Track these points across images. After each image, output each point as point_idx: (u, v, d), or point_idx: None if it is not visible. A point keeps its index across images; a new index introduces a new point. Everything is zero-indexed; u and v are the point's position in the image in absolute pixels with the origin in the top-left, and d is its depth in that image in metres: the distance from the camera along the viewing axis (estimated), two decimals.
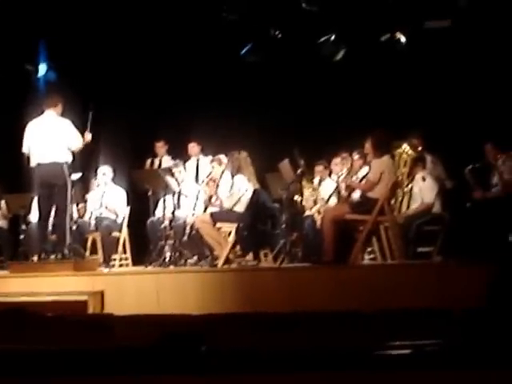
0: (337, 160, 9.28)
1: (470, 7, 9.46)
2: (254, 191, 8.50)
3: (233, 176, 8.62)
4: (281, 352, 2.44)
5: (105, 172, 9.57)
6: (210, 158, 9.68)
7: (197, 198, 9.46)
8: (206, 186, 9.18)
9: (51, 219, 8.22)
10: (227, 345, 2.56)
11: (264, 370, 2.46)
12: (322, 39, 10.24)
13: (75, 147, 8.16)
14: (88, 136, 8.32)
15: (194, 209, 9.41)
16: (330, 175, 9.52)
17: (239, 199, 8.49)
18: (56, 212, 8.12)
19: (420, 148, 8.95)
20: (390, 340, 2.57)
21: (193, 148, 10.09)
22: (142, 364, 2.62)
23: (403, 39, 10.01)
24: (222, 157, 9.01)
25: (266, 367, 2.47)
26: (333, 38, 10.22)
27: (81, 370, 2.64)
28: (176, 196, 9.03)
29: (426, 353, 2.40)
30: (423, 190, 8.74)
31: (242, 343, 2.59)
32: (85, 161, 9.08)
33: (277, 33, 10.26)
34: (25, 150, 8.21)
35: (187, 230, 9.13)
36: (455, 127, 9.66)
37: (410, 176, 8.86)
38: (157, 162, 10.32)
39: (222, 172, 8.94)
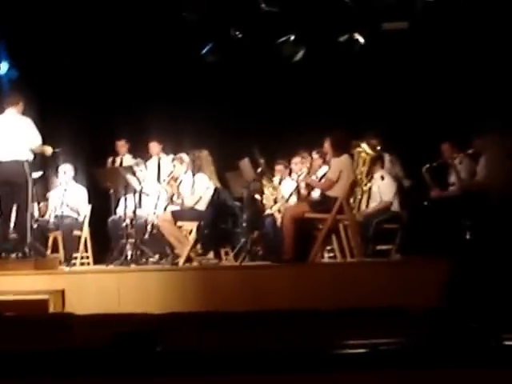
0: (296, 159, 9.27)
1: (426, 10, 9.51)
2: (215, 190, 8.47)
3: (194, 175, 8.57)
4: (236, 352, 2.41)
5: (66, 170, 9.44)
6: (171, 156, 9.61)
7: (158, 197, 9.40)
8: (168, 185, 9.11)
9: (12, 218, 8.10)
10: (184, 345, 2.51)
11: (219, 371, 2.43)
12: (282, 39, 10.24)
13: (34, 146, 8.05)
14: (48, 150, 8.25)
15: (155, 207, 9.34)
16: (289, 174, 9.52)
17: (200, 198, 8.45)
18: (17, 211, 8.00)
19: (378, 147, 8.98)
20: (347, 338, 2.55)
21: (154, 147, 10.03)
22: (98, 364, 2.57)
23: (361, 40, 10.05)
24: (184, 155, 8.95)
25: (221, 368, 2.44)
26: (292, 38, 10.23)
27: (39, 371, 2.58)
28: (137, 195, 8.95)
29: (381, 352, 2.38)
30: (382, 189, 8.80)
31: (198, 343, 2.55)
32: (46, 159, 8.96)
33: (237, 33, 10.23)
34: None
35: (148, 229, 9.07)
36: (413, 127, 9.73)
37: (369, 175, 8.91)
38: (118, 160, 10.23)
39: (185, 171, 8.88)
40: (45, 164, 9.14)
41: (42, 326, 3.59)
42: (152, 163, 10.01)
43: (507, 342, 2.54)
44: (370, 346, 2.39)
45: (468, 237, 8.03)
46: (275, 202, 9.24)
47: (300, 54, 10.27)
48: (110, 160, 10.28)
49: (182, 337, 2.69)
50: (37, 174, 8.56)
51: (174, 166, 8.96)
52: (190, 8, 9.66)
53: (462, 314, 4.02)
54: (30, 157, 8.03)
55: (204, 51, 10.45)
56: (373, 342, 2.42)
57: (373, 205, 8.88)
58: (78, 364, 2.61)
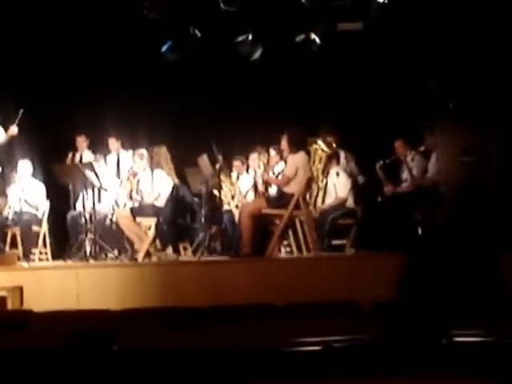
0: (254, 155, 9.22)
1: (380, 11, 9.53)
2: (174, 186, 8.37)
3: (152, 170, 8.46)
4: (191, 351, 2.31)
5: (24, 166, 9.24)
6: (130, 152, 9.50)
7: (117, 193, 9.25)
8: (127, 181, 8.98)
9: None
10: (141, 343, 2.39)
11: (176, 370, 2.32)
12: (240, 39, 10.20)
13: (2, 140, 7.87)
14: (14, 130, 8.03)
15: (114, 203, 9.19)
16: (247, 170, 9.47)
17: (159, 194, 8.35)
18: None
19: (334, 145, 8.99)
20: (300, 335, 2.46)
21: (112, 143, 9.86)
22: (55, 365, 2.44)
23: (317, 40, 10.04)
24: (143, 151, 8.82)
25: (178, 367, 2.33)
26: (250, 37, 10.20)
27: None
28: (96, 190, 8.78)
29: (334, 349, 2.30)
30: (337, 185, 8.83)
31: (156, 342, 2.43)
32: (4, 155, 8.76)
33: (196, 31, 10.16)
34: None
35: (107, 224, 8.92)
36: (367, 125, 9.76)
37: (325, 172, 8.90)
38: (77, 156, 10.02)
39: (144, 167, 8.75)
40: (3, 160, 8.95)
41: None
42: (111, 159, 9.85)
43: (458, 339, 2.46)
44: (323, 343, 2.30)
45: (419, 232, 8.06)
46: (233, 197, 9.19)
47: (257, 53, 10.23)
48: (69, 156, 10.07)
49: (140, 335, 2.56)
50: None
51: (135, 161, 8.83)
52: (151, 6, 9.52)
53: (413, 308, 3.97)
54: None
55: (163, 49, 10.34)
56: (326, 340, 2.33)
57: (328, 201, 8.89)
58: (33, 365, 2.47)
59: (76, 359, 2.50)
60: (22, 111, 8.11)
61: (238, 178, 9.45)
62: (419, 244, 7.64)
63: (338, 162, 9.03)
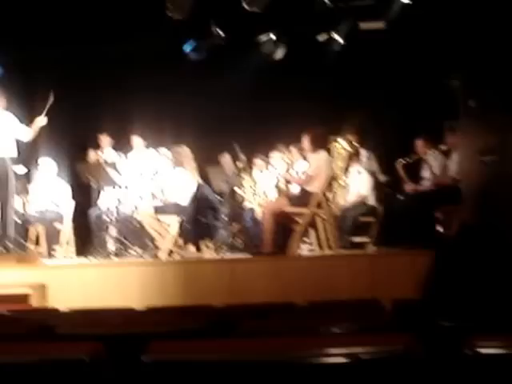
0: (275, 154, 9.18)
1: (403, 11, 9.45)
2: (197, 185, 8.31)
3: (175, 169, 8.42)
4: (218, 363, 2.19)
5: (48, 165, 9.24)
6: (152, 150, 9.48)
7: (140, 191, 9.20)
8: (150, 179, 8.95)
9: None
10: (171, 353, 2.28)
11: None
12: (263, 38, 10.17)
13: (25, 139, 7.84)
14: (43, 120, 7.98)
15: (137, 201, 9.15)
16: (268, 169, 9.40)
17: (182, 192, 8.30)
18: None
19: (355, 143, 8.91)
20: (325, 345, 2.34)
21: (135, 141, 9.81)
22: (81, 377, 2.32)
23: (340, 39, 9.97)
24: (166, 150, 8.78)
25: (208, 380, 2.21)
26: (273, 37, 10.17)
27: None
28: (119, 188, 8.74)
29: (362, 362, 2.18)
30: (358, 183, 8.78)
31: (186, 351, 2.31)
32: (28, 154, 8.76)
33: (219, 31, 10.13)
34: None
35: (130, 223, 8.87)
36: (388, 123, 9.66)
37: (346, 170, 8.83)
38: (100, 154, 10.00)
39: (168, 166, 8.71)
40: (27, 159, 8.95)
41: (18, 327, 3.37)
42: (134, 157, 9.81)
43: (482, 350, 2.25)
44: (350, 355, 2.18)
45: (440, 230, 7.98)
46: (255, 196, 9.12)
47: (280, 53, 10.20)
48: (92, 154, 10.05)
49: (170, 344, 2.44)
50: (19, 169, 8.36)
51: (158, 160, 8.80)
52: (174, 7, 9.49)
53: (434, 309, 3.84)
54: (12, 152, 7.82)
55: (186, 49, 10.33)
56: (354, 352, 2.21)
57: (349, 199, 8.80)
58: (59, 376, 2.35)
59: (103, 371, 2.38)
60: (51, 100, 7.99)
61: (259, 176, 9.39)
62: (445, 243, 7.53)
63: (359, 161, 8.95)
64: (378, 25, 9.80)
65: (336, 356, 2.19)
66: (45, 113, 7.98)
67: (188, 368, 2.16)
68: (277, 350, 2.23)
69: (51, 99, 8.02)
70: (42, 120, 7.98)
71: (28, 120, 8.10)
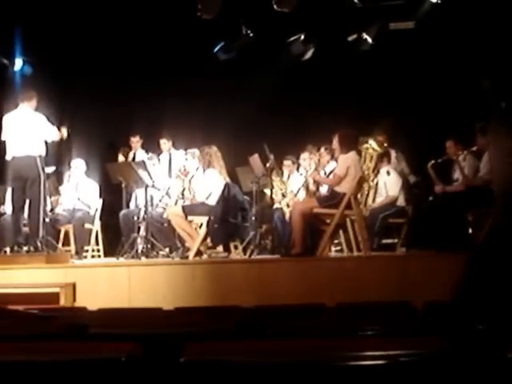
0: (305, 155, 9.14)
1: (432, 10, 9.37)
2: (226, 185, 8.27)
3: (204, 170, 8.40)
4: (254, 365, 2.16)
5: (78, 165, 9.26)
6: (182, 151, 9.48)
7: (169, 191, 9.21)
8: (179, 179, 8.95)
9: (25, 212, 7.93)
10: (210, 355, 2.24)
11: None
12: (292, 39, 10.14)
13: (51, 139, 7.87)
14: (64, 133, 8.06)
15: (166, 201, 9.15)
16: (297, 169, 9.35)
17: (211, 192, 8.27)
18: (29, 205, 7.81)
19: (385, 144, 8.84)
20: (362, 347, 2.29)
21: (164, 144, 9.82)
22: (116, 378, 2.29)
23: (369, 39, 9.91)
24: (196, 150, 8.77)
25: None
26: (302, 37, 10.13)
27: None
28: (149, 189, 8.74)
29: (400, 364, 2.13)
30: (388, 184, 8.69)
31: (225, 353, 2.27)
32: (58, 154, 8.81)
33: (248, 32, 10.12)
34: (3, 137, 7.91)
35: (159, 222, 8.87)
36: (418, 124, 9.57)
37: (376, 171, 8.75)
38: (131, 155, 10.03)
39: (197, 166, 8.70)
40: (58, 159, 8.99)
41: (51, 326, 3.35)
42: (163, 158, 9.82)
43: None
44: (388, 357, 2.13)
45: (471, 232, 7.88)
46: (284, 196, 9.08)
47: (309, 53, 10.16)
48: (123, 154, 10.09)
49: (208, 345, 2.40)
50: (49, 169, 8.41)
51: (187, 159, 8.78)
52: (204, 8, 9.50)
53: (468, 312, 3.77)
54: (43, 152, 7.85)
55: (216, 49, 10.33)
56: (387, 354, 2.15)
57: (379, 200, 8.75)
58: (92, 377, 2.32)
59: (139, 371, 2.35)
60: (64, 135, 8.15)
61: (288, 177, 9.35)
62: (477, 246, 7.44)
63: (389, 161, 8.88)
64: (408, 24, 9.74)
65: (370, 358, 2.15)
66: (66, 127, 8.09)
67: (225, 369, 2.12)
68: (312, 352, 2.19)
69: (65, 135, 8.12)
70: (64, 132, 8.07)
71: (57, 119, 8.15)
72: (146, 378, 2.37)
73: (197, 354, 2.24)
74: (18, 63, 10.52)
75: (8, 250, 8.40)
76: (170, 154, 9.81)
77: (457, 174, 8.53)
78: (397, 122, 9.29)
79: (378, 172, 8.75)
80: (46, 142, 7.87)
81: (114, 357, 2.32)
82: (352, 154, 7.67)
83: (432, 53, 9.66)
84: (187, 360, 2.20)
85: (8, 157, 7.83)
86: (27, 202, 7.83)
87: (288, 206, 8.76)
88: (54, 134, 7.91)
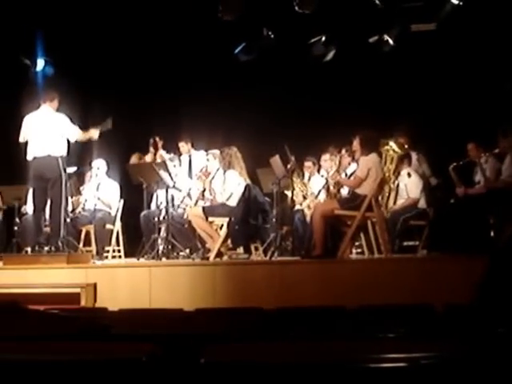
0: (326, 156, 9.10)
1: (454, 12, 9.31)
2: (246, 186, 8.25)
3: (225, 171, 8.39)
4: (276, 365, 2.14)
5: (99, 166, 9.28)
6: (202, 152, 9.48)
7: (190, 192, 9.21)
8: (200, 180, 8.95)
9: (46, 212, 7.96)
10: (231, 356, 2.22)
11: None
12: (313, 40, 10.11)
13: (74, 139, 7.89)
14: (95, 134, 8.07)
15: (187, 202, 9.15)
16: (319, 171, 9.31)
17: (232, 194, 8.25)
18: (51, 205, 7.83)
19: (406, 146, 8.80)
20: (383, 349, 2.27)
21: (182, 147, 9.84)
22: (137, 378, 2.28)
23: (391, 41, 9.87)
24: (216, 151, 8.76)
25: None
26: (323, 39, 10.10)
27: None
28: (170, 189, 8.75)
29: (422, 367, 2.10)
30: (409, 186, 8.64)
31: (247, 354, 2.25)
32: (80, 155, 8.84)
33: (270, 33, 10.11)
34: (21, 140, 7.93)
35: (180, 223, 8.87)
36: (440, 126, 9.51)
37: (396, 172, 8.72)
38: (152, 156, 10.05)
39: (217, 167, 8.69)
40: (79, 159, 9.03)
41: (72, 326, 3.35)
42: (185, 159, 9.84)
43: None
44: (409, 359, 2.10)
45: (492, 234, 7.81)
46: (305, 198, 9.05)
47: (331, 54, 10.13)
48: (145, 155, 10.12)
49: (229, 347, 2.38)
50: (71, 169, 8.44)
51: (208, 160, 8.78)
52: (226, 9, 9.50)
53: (490, 315, 3.72)
54: (65, 152, 7.88)
55: (237, 51, 10.32)
56: (413, 356, 2.13)
57: (400, 202, 8.69)
58: (114, 377, 2.31)
59: (160, 371, 2.34)
60: (110, 121, 8.10)
61: (309, 178, 9.31)
62: (499, 249, 7.37)
63: (410, 163, 8.82)
64: (429, 26, 9.69)
65: (392, 361, 2.14)
66: (99, 131, 8.09)
67: (247, 370, 2.11)
68: (334, 354, 2.18)
69: (109, 125, 8.12)
70: (94, 133, 8.08)
71: (79, 119, 8.18)
72: (167, 378, 2.36)
73: (218, 355, 2.23)
74: (40, 64, 10.57)
75: (29, 249, 8.44)
76: (189, 156, 9.83)
77: (478, 177, 8.47)
78: (418, 124, 9.24)
79: (399, 174, 8.72)
80: (68, 142, 7.90)
81: (135, 357, 2.32)
82: (373, 156, 7.63)
83: (454, 54, 9.60)
84: (208, 361, 2.19)
85: (29, 157, 7.84)
86: (48, 202, 7.86)
87: (309, 207, 8.72)
88: (76, 134, 7.93)
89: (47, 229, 7.98)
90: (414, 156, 9.03)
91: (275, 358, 2.17)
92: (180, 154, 9.84)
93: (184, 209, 9.03)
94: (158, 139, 9.99)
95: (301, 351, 2.24)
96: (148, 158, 9.95)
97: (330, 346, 2.33)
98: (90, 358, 2.38)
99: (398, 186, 8.75)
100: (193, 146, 9.87)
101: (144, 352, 2.30)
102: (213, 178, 8.58)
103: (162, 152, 9.95)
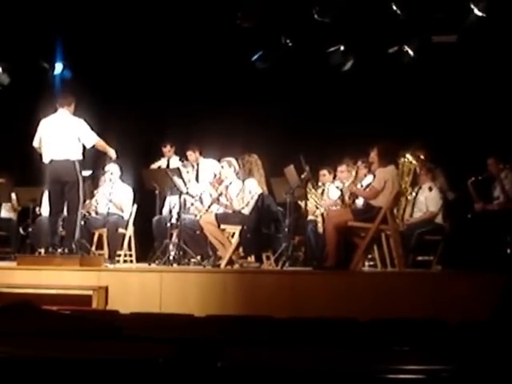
0: (342, 167, 9.09)
1: (475, 25, 9.33)
2: (260, 195, 8.33)
3: (244, 179, 8.45)
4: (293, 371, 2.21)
5: (112, 170, 9.39)
6: (211, 160, 9.68)
7: (203, 199, 9.29)
8: (212, 187, 9.03)
9: (62, 215, 8.08)
10: (248, 360, 2.30)
11: None
12: (332, 49, 10.15)
13: (90, 144, 8.02)
14: (113, 154, 8.22)
15: (199, 209, 9.23)
16: (334, 181, 9.35)
17: (248, 202, 8.33)
18: (68, 208, 7.97)
19: (423, 157, 8.82)
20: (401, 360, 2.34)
21: (190, 156, 9.93)
22: (152, 379, 2.37)
23: (411, 52, 9.90)
24: (232, 159, 8.84)
25: None
26: (342, 48, 10.13)
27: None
28: (182, 196, 8.85)
29: (441, 379, 2.18)
30: (429, 200, 8.64)
31: (264, 358, 2.33)
32: (94, 159, 8.94)
33: (288, 41, 10.16)
34: (35, 144, 8.09)
35: (192, 230, 8.95)
36: (459, 140, 9.52)
37: (413, 185, 8.74)
38: (165, 162, 10.16)
39: (234, 175, 8.75)
40: (93, 163, 9.13)
41: (84, 326, 3.45)
42: (199, 166, 9.94)
43: None
44: (427, 371, 2.18)
45: (509, 252, 7.82)
46: (318, 209, 9.09)
47: (349, 64, 10.16)
48: (158, 161, 10.23)
49: (247, 351, 2.46)
50: (86, 173, 8.54)
51: (222, 167, 8.85)
52: (244, 16, 9.59)
53: (506, 333, 3.78)
54: (81, 156, 8.00)
55: (254, 58, 10.39)
56: (432, 368, 2.20)
57: (417, 215, 8.71)
58: (127, 378, 2.40)
59: (177, 374, 2.42)
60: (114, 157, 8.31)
61: (324, 189, 9.34)
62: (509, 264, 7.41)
63: (434, 178, 8.81)
64: (451, 38, 9.70)
65: (406, 372, 2.20)
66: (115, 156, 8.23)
67: (263, 375, 2.18)
68: (348, 362, 2.25)
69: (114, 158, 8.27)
70: (112, 153, 8.21)
71: (94, 124, 8.28)
72: (183, 380, 2.44)
73: (234, 359, 2.31)
74: (59, 67, 10.73)
75: (43, 251, 8.56)
76: (197, 164, 9.91)
77: (497, 192, 8.48)
78: (437, 137, 9.27)
79: (420, 188, 8.74)
80: (84, 146, 8.02)
81: (151, 358, 2.40)
82: (391, 168, 7.61)
83: (474, 67, 9.61)
84: (224, 365, 2.27)
85: (46, 160, 7.96)
86: (65, 205, 7.98)
87: (322, 218, 8.74)
88: (93, 140, 8.03)
89: (62, 231, 8.09)
90: (431, 169, 9.02)
91: (290, 364, 2.24)
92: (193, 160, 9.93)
93: (195, 215, 9.10)
94: (168, 148, 10.11)
95: (316, 358, 2.31)
96: (161, 163, 10.08)
97: (347, 354, 2.40)
98: (104, 358, 2.47)
99: (415, 198, 8.77)
100: (201, 154, 9.95)
101: (160, 354, 2.39)
102: (230, 183, 8.65)
103: (174, 158, 10.07)
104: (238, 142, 9.46)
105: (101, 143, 8.12)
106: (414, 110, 9.72)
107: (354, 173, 8.30)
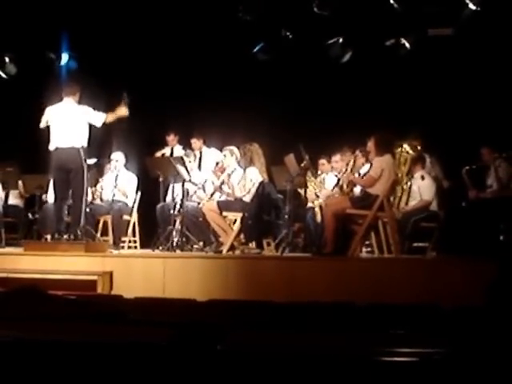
0: (336, 157, 9.08)
1: (471, 18, 9.32)
2: (261, 183, 8.34)
3: (245, 167, 8.45)
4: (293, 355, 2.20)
5: (118, 158, 9.39)
6: (213, 149, 9.66)
7: (205, 186, 9.29)
8: (214, 175, 9.04)
9: (67, 201, 8.08)
10: (249, 344, 2.29)
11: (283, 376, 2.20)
12: (331, 41, 10.14)
13: (101, 122, 8.02)
14: (124, 111, 8.14)
15: (202, 196, 9.24)
16: (332, 170, 9.34)
17: (249, 190, 8.34)
18: (72, 195, 7.97)
19: (419, 148, 8.82)
20: (395, 343, 2.33)
21: (194, 143, 9.93)
22: (153, 361, 2.36)
23: (407, 45, 9.89)
24: (234, 148, 8.83)
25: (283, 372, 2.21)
26: (341, 40, 10.13)
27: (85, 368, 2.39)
28: (186, 183, 8.84)
29: (434, 362, 2.17)
30: (422, 189, 8.65)
31: (265, 342, 2.32)
32: (99, 146, 8.94)
33: (288, 33, 10.15)
34: (42, 125, 8.07)
35: (195, 217, 8.95)
36: (453, 129, 9.52)
37: (409, 174, 8.74)
38: (169, 150, 10.15)
39: (236, 163, 8.75)
40: (99, 151, 9.13)
41: (90, 310, 3.44)
42: (202, 153, 9.93)
43: None
44: (421, 354, 2.17)
45: (502, 239, 7.82)
46: (317, 196, 9.08)
47: (347, 56, 10.16)
48: (162, 149, 10.22)
49: (247, 335, 2.45)
50: (91, 161, 8.54)
51: (225, 155, 8.84)
52: (246, 9, 9.57)
53: (499, 317, 3.77)
54: (85, 143, 8.00)
55: (255, 50, 10.38)
56: (425, 351, 2.19)
57: (412, 203, 8.73)
58: (130, 360, 2.39)
59: (178, 357, 2.41)
60: (126, 99, 8.17)
61: (323, 177, 9.34)
62: (509, 253, 7.41)
63: (423, 166, 8.82)
64: (446, 31, 9.70)
65: (401, 355, 2.19)
66: (127, 107, 8.16)
67: (263, 358, 2.18)
68: (345, 345, 2.25)
69: (126, 99, 8.19)
70: (125, 110, 8.14)
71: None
72: (184, 363, 2.43)
73: (234, 343, 2.30)
74: (65, 58, 10.71)
75: (49, 237, 8.57)
76: (200, 153, 9.90)
77: (491, 180, 8.48)
78: (432, 127, 9.26)
79: (412, 176, 8.74)
80: (89, 134, 8.00)
81: (154, 342, 2.40)
82: (387, 157, 7.65)
83: (469, 59, 9.60)
84: (224, 347, 2.26)
85: (51, 147, 7.97)
86: (70, 192, 7.98)
87: (321, 206, 8.75)
88: (102, 118, 8.04)
89: (67, 218, 8.09)
90: (427, 158, 9.03)
91: (290, 348, 2.24)
92: (193, 150, 9.93)
93: (198, 203, 9.10)
94: (171, 136, 10.09)
95: (314, 342, 2.31)
96: (165, 151, 10.07)
97: (345, 337, 2.40)
98: (109, 341, 2.46)
99: (410, 187, 8.77)
100: (205, 142, 9.95)
101: (163, 337, 2.38)
102: (232, 172, 8.65)
103: (178, 147, 10.06)
104: (240, 131, 9.44)
105: (109, 115, 8.10)
106: (410, 101, 9.70)
107: (351, 162, 8.27)
